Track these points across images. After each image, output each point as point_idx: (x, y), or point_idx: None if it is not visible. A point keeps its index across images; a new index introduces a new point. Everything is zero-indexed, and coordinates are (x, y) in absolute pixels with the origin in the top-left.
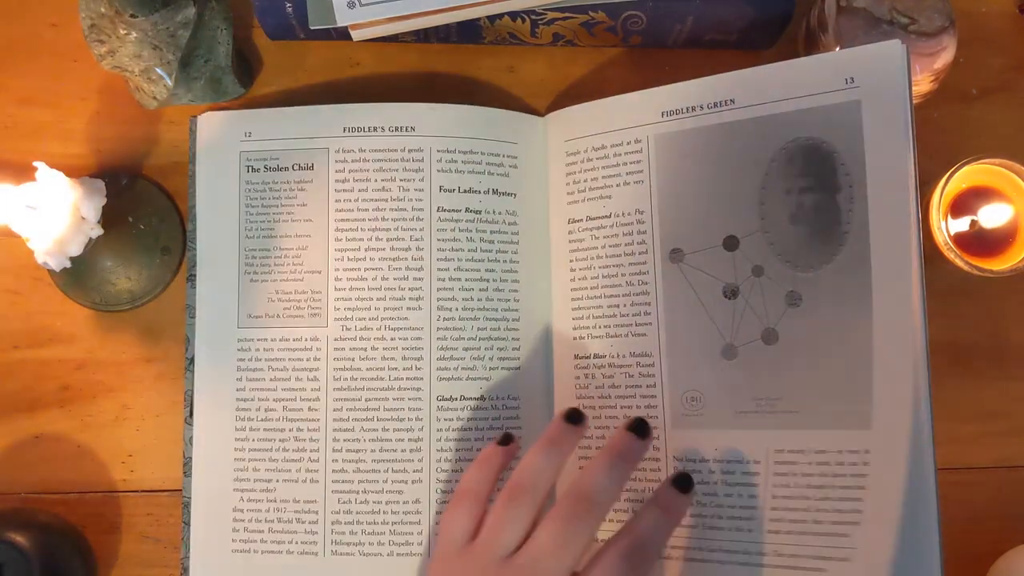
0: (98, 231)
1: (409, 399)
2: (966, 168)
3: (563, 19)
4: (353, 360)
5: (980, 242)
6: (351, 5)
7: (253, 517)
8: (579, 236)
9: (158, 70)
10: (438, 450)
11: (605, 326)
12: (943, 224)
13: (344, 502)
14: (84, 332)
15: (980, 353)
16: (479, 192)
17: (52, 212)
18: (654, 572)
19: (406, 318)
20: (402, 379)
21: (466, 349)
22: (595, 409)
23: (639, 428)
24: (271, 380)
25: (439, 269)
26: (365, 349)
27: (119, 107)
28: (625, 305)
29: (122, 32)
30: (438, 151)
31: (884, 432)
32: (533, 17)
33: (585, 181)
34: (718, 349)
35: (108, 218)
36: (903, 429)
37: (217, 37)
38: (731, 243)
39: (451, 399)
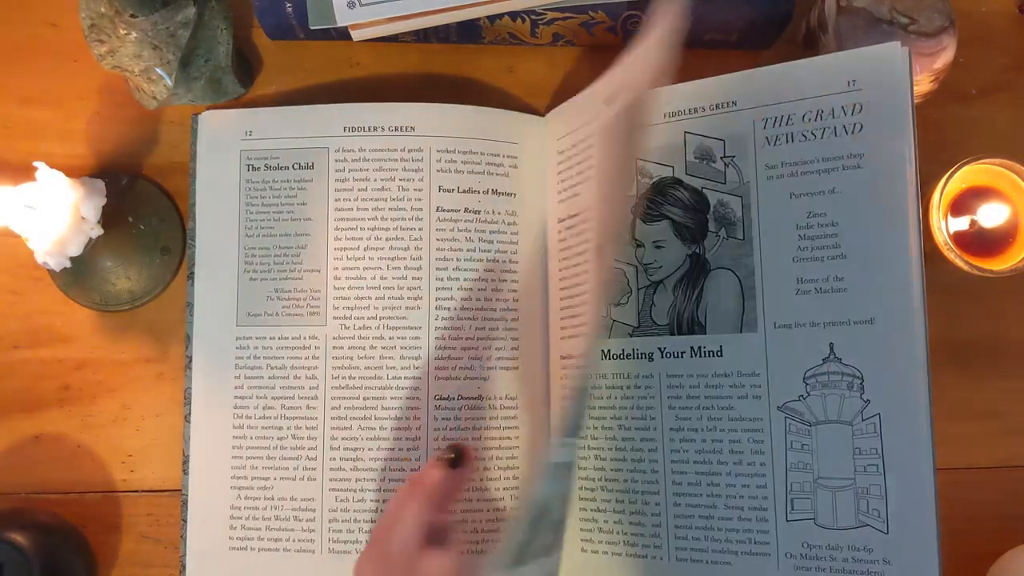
0: (98, 231)
1: (407, 398)
2: (966, 168)
3: (563, 19)
4: (351, 359)
5: (980, 242)
6: (351, 5)
7: (251, 515)
8: (563, 235)
9: (158, 70)
10: (435, 449)
11: (577, 325)
12: (943, 224)
13: (341, 500)
14: (84, 332)
15: (980, 353)
16: (479, 192)
17: (52, 212)
18: None
19: (405, 317)
20: (400, 378)
21: (464, 348)
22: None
23: (455, 459)
24: (269, 378)
25: (438, 269)
26: (363, 348)
27: (119, 107)
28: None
29: (122, 32)
30: (438, 151)
31: (888, 431)
32: (533, 17)
33: (570, 179)
34: None
35: (108, 218)
36: (903, 428)
37: (217, 37)
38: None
39: (448, 399)
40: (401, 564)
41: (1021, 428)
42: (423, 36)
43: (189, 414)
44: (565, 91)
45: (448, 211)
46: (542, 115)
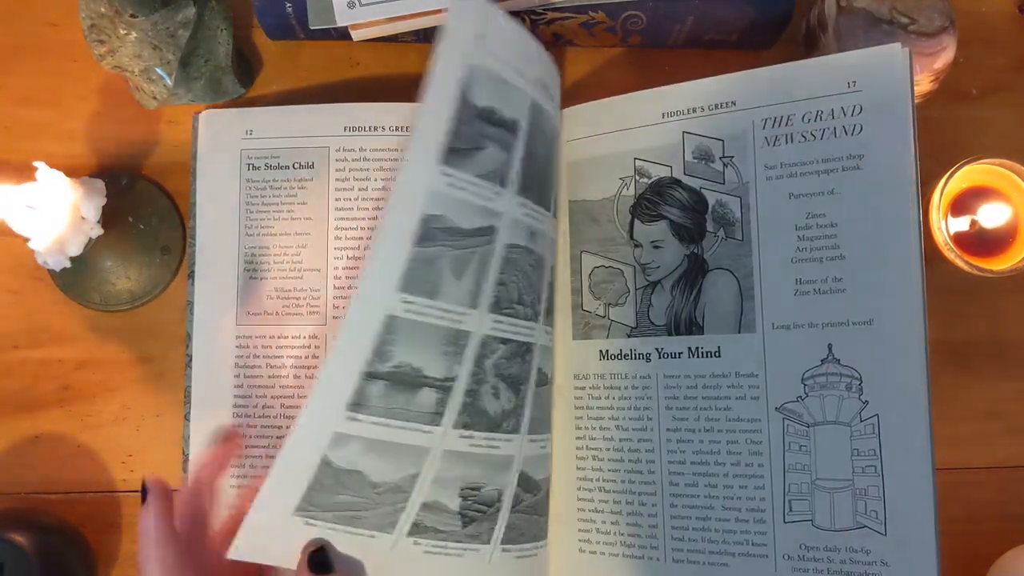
0: (98, 231)
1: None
2: (966, 168)
3: (563, 19)
4: None
5: (980, 242)
6: (351, 5)
7: None
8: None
9: (158, 70)
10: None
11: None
12: (943, 224)
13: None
14: (84, 332)
15: (980, 353)
16: None
17: (52, 212)
18: None
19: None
20: None
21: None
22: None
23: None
24: (269, 377)
25: None
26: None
27: (119, 107)
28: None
29: (122, 32)
30: None
31: (886, 432)
32: (533, 17)
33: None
34: None
35: (108, 218)
36: (902, 430)
37: (217, 37)
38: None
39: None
40: None
41: (1021, 428)
42: (423, 36)
43: (189, 413)
44: (565, 91)
45: None
46: None
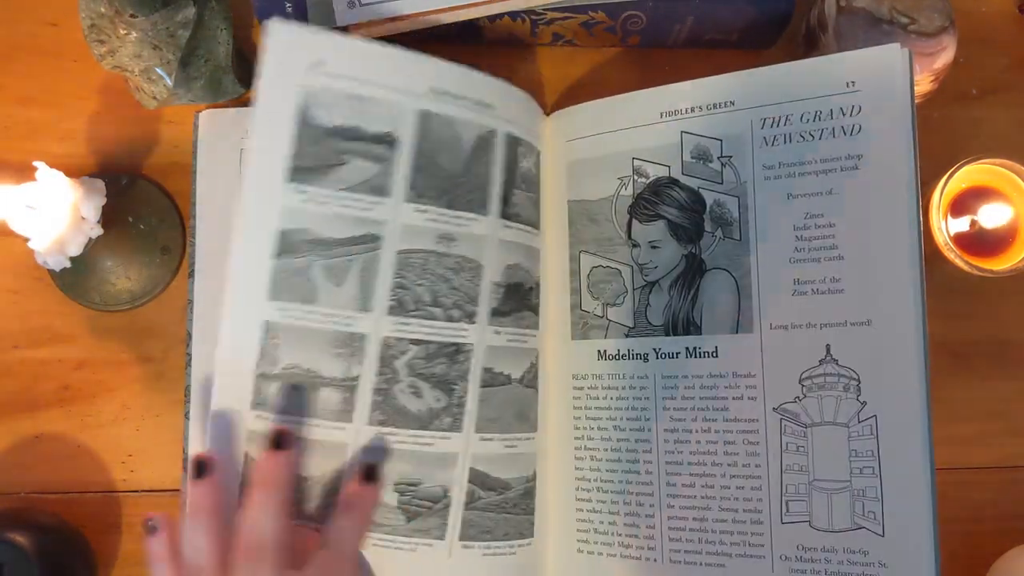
0: (98, 231)
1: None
2: (966, 168)
3: (563, 19)
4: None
5: (980, 242)
6: (351, 5)
7: None
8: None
9: (158, 70)
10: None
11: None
12: (943, 224)
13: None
14: (84, 332)
15: (980, 353)
16: None
17: (52, 212)
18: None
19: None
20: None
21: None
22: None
23: (279, 442)
24: None
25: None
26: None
27: (119, 107)
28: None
29: (122, 32)
30: None
31: (884, 433)
32: (533, 17)
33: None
34: None
35: (108, 218)
36: (900, 430)
37: (217, 37)
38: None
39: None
40: None
41: (1021, 428)
42: (423, 36)
43: (188, 413)
44: (565, 91)
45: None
46: (545, 114)
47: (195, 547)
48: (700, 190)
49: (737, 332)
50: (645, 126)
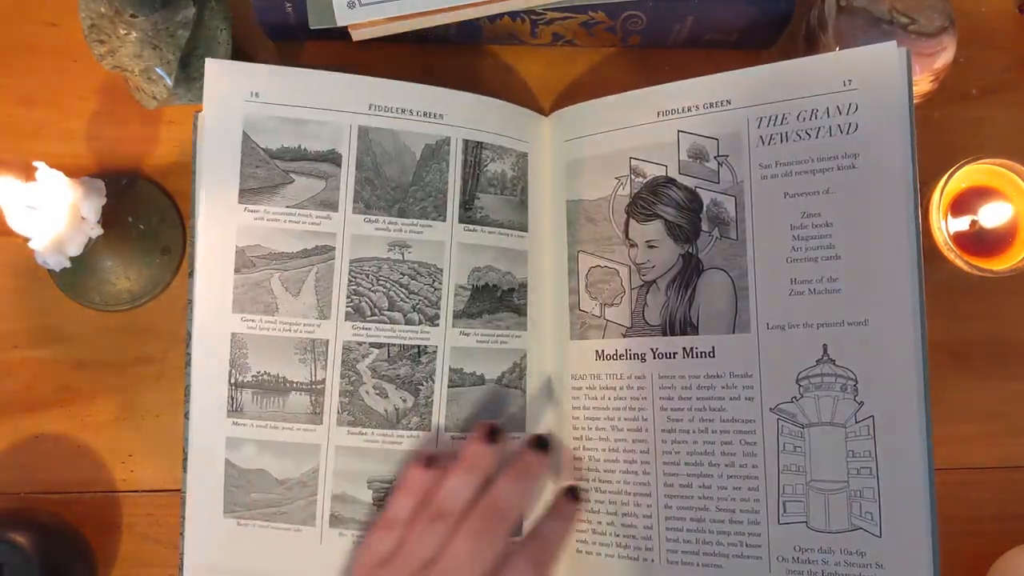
0: (98, 231)
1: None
2: (966, 168)
3: (563, 19)
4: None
5: (980, 242)
6: (351, 5)
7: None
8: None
9: (158, 70)
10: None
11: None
12: (943, 224)
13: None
14: (84, 332)
15: (980, 353)
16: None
17: (52, 212)
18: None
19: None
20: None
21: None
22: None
23: (539, 443)
24: None
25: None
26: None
27: (119, 107)
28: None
29: (122, 32)
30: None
31: (882, 433)
32: (533, 17)
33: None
34: None
35: (108, 218)
36: (897, 431)
37: (217, 37)
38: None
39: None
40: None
41: (1021, 428)
42: (423, 36)
43: (188, 413)
44: (565, 91)
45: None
46: (545, 115)
47: (454, 491)
48: (697, 189)
49: (734, 332)
50: (642, 125)
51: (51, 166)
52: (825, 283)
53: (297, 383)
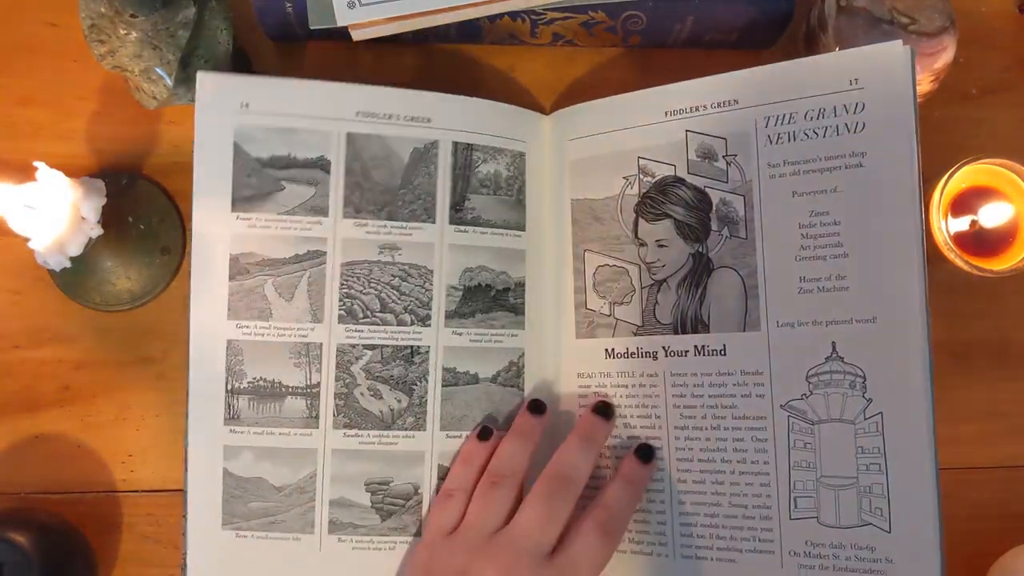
0: (98, 231)
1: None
2: (966, 168)
3: (563, 19)
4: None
5: (980, 242)
6: (351, 5)
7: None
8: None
9: (158, 70)
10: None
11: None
12: (943, 224)
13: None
14: (84, 332)
15: (980, 353)
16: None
17: (52, 212)
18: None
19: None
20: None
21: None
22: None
23: (604, 411)
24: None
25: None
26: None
27: (119, 107)
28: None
29: (122, 32)
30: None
31: (890, 430)
32: (533, 17)
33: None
34: None
35: (108, 218)
36: (905, 427)
37: (217, 37)
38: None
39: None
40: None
41: (1021, 428)
42: (423, 36)
43: (189, 413)
44: (566, 91)
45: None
46: (545, 114)
47: (509, 455)
48: (706, 189)
49: (744, 330)
50: (649, 125)
51: (51, 166)
52: (834, 281)
53: (293, 387)
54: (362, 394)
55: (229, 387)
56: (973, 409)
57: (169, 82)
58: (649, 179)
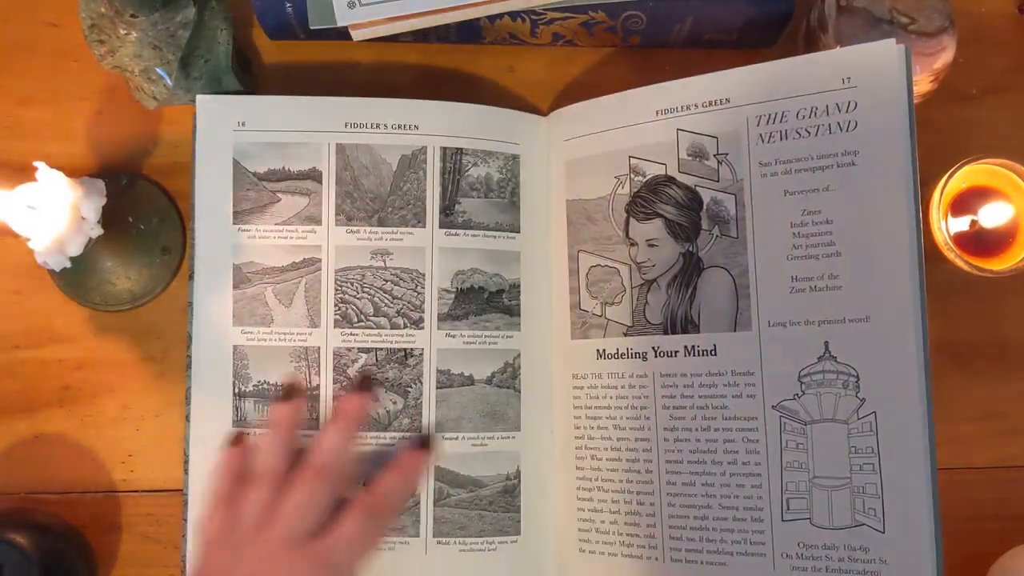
0: (98, 231)
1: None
2: (966, 168)
3: (563, 19)
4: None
5: (980, 242)
6: (351, 5)
7: None
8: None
9: (158, 70)
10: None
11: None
12: (943, 224)
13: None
14: (84, 332)
15: (980, 353)
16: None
17: (52, 212)
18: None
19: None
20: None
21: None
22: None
23: (364, 386)
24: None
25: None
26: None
27: (119, 107)
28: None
29: (122, 32)
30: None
31: (884, 430)
32: (533, 17)
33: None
34: None
35: (108, 218)
36: (899, 427)
37: (217, 37)
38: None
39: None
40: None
41: (1021, 428)
42: (423, 36)
43: (189, 415)
44: (565, 91)
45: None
46: (543, 115)
47: (265, 453)
48: (697, 188)
49: (735, 330)
50: (641, 124)
51: (51, 166)
52: (826, 280)
53: None
54: None
55: (236, 390)
56: (972, 409)
57: (169, 82)
58: (640, 178)
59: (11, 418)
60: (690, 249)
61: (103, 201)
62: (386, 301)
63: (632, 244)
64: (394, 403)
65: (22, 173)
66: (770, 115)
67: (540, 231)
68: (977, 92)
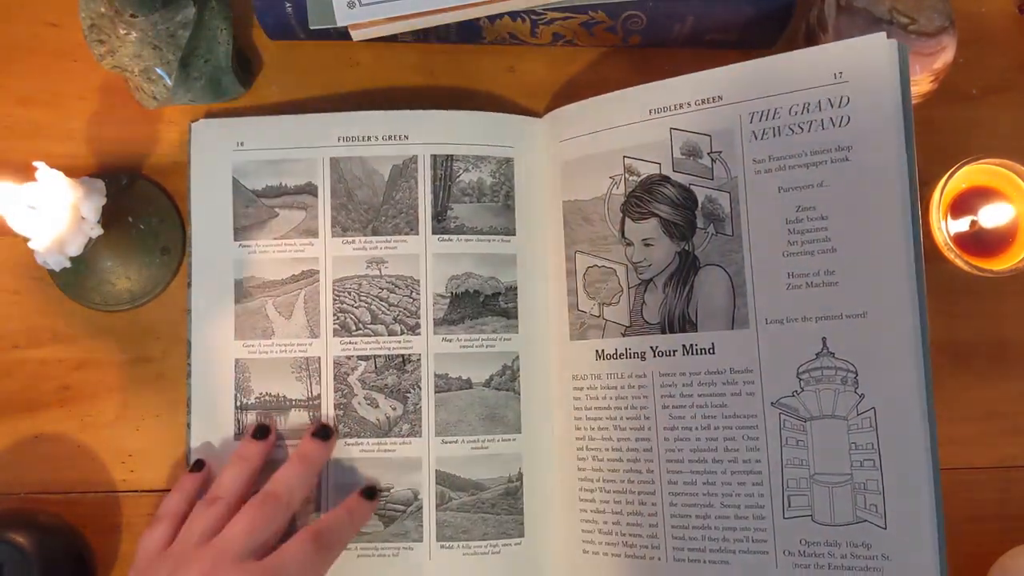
0: (98, 231)
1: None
2: (966, 168)
3: (563, 19)
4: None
5: (980, 242)
6: (351, 5)
7: None
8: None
9: (158, 70)
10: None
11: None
12: (943, 224)
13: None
14: (84, 332)
15: (980, 353)
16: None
17: (52, 212)
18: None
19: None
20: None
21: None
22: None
23: (322, 433)
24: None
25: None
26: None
27: (119, 107)
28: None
29: (122, 32)
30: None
31: (883, 425)
32: (533, 17)
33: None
34: None
35: (108, 218)
36: (899, 422)
37: (217, 37)
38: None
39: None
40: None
41: (1021, 428)
42: (423, 36)
43: (190, 423)
44: (565, 91)
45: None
46: (541, 115)
47: (228, 480)
48: (691, 186)
49: (733, 328)
50: (634, 124)
51: (51, 166)
52: (822, 276)
53: (296, 400)
54: (360, 403)
55: (238, 403)
56: (973, 409)
57: (169, 82)
58: (635, 178)
59: (11, 418)
60: (686, 248)
61: (103, 201)
62: (383, 308)
63: (628, 244)
64: (393, 409)
65: (22, 173)
66: (762, 112)
67: (536, 233)
68: (977, 92)
